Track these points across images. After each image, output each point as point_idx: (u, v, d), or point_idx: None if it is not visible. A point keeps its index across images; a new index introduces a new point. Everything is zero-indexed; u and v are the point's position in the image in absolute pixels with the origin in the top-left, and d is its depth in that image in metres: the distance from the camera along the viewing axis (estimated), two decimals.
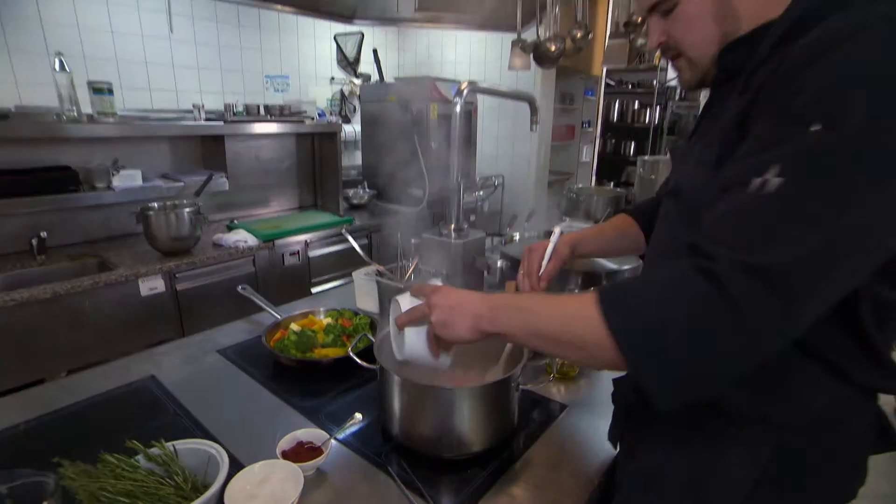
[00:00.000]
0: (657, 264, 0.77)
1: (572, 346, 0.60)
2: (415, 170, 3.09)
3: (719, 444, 0.68)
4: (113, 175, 2.16)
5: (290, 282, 2.54)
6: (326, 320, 1.34)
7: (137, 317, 2.01)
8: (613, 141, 6.24)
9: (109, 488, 0.67)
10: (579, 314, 0.58)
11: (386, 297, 1.44)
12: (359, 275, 1.50)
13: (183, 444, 0.81)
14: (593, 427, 1.00)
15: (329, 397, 1.08)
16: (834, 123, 0.48)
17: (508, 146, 4.23)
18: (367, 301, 1.51)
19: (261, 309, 1.39)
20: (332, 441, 0.89)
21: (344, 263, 2.74)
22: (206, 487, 0.75)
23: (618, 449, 0.89)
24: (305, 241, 2.59)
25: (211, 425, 0.98)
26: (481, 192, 3.04)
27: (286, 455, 0.84)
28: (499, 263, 1.26)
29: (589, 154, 5.57)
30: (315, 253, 2.64)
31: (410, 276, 1.44)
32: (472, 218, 3.32)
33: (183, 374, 1.16)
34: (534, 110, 1.53)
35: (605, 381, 1.17)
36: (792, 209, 0.49)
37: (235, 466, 0.85)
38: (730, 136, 0.60)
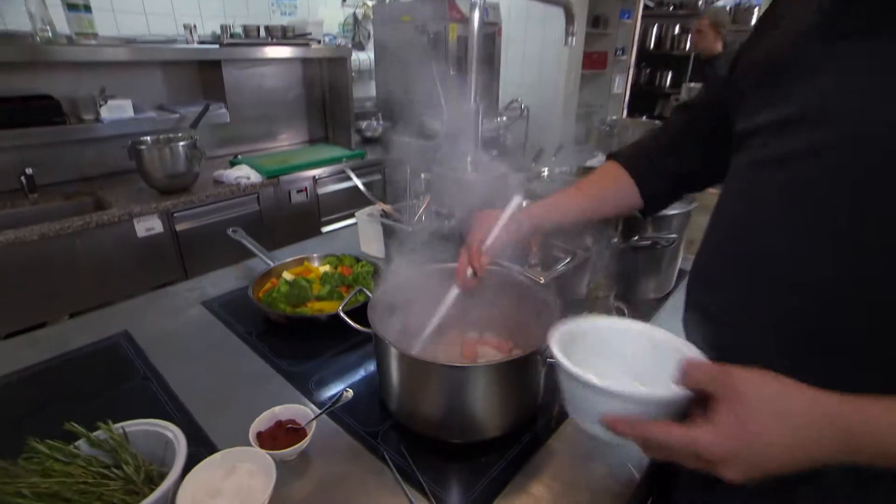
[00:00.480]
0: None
1: None
2: (432, 99, 2.82)
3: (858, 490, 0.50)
4: (100, 105, 1.97)
5: (298, 221, 2.38)
6: (323, 268, 1.18)
7: (136, 259, 1.89)
8: (648, 71, 5.69)
9: (26, 491, 0.54)
10: None
11: (393, 239, 1.26)
12: (362, 215, 1.32)
13: (135, 426, 0.67)
14: None
15: (321, 360, 0.93)
16: None
17: (534, 74, 3.87)
18: (372, 245, 1.34)
19: (256, 254, 1.23)
20: (320, 418, 0.74)
21: (357, 201, 2.51)
22: (164, 478, 0.61)
23: None
24: (314, 178, 2.41)
25: (184, 393, 0.84)
26: (504, 118, 2.76)
27: (262, 438, 0.70)
28: (524, 205, 1.05)
29: (621, 85, 5.09)
30: (324, 190, 2.46)
31: (421, 216, 1.25)
32: (494, 152, 3.06)
33: (160, 330, 1.03)
34: (570, 18, 1.25)
35: None
36: None
37: (205, 447, 0.72)
38: None
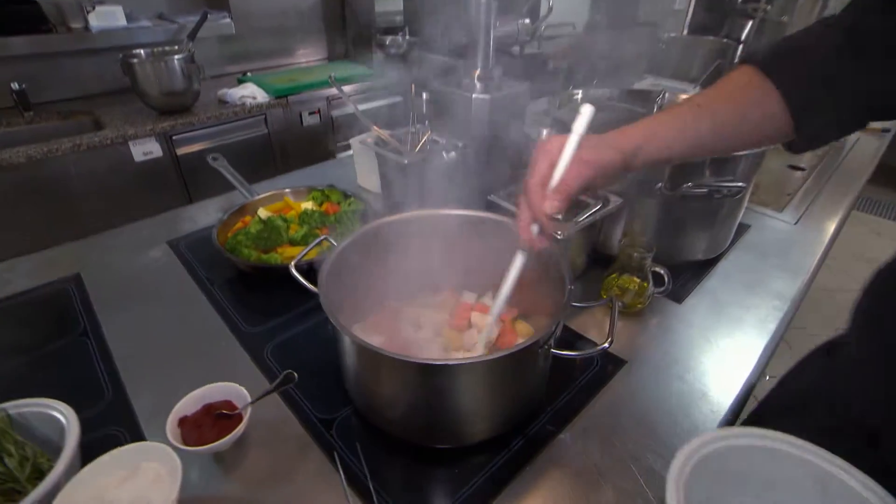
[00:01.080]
0: None
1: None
2: (463, 10, 2.47)
3: None
4: (88, 12, 1.78)
5: (311, 146, 2.19)
6: (306, 205, 1.00)
7: (135, 186, 1.77)
8: None
9: None
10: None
11: (388, 172, 1.07)
12: (356, 142, 1.11)
13: (26, 407, 0.54)
14: (676, 391, 0.65)
15: (285, 319, 0.78)
16: None
17: None
18: (368, 178, 1.15)
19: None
20: (266, 399, 0.59)
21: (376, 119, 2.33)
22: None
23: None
24: (327, 98, 2.18)
25: (122, 355, 0.72)
26: (527, 21, 2.37)
27: (184, 425, 0.56)
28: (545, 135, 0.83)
29: (684, 1, 4.41)
30: (339, 112, 2.24)
31: (425, 145, 1.04)
32: (530, 73, 2.72)
33: (115, 274, 0.90)
34: None
35: (698, 316, 0.79)
36: None
37: (128, 428, 0.59)
38: None
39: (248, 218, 0.97)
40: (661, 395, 0.65)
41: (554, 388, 0.64)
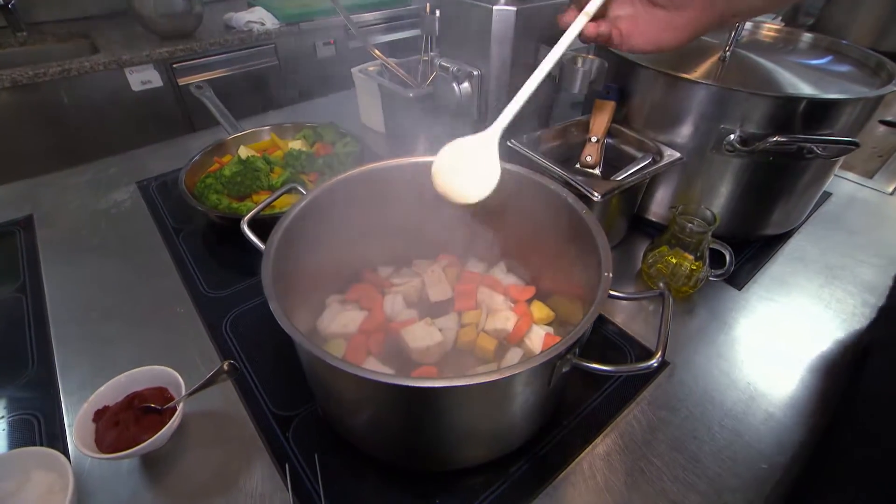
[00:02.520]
0: None
1: None
2: None
3: None
4: None
5: (326, 78, 2.00)
6: (293, 144, 0.85)
7: (132, 119, 1.64)
8: None
9: None
10: None
11: (392, 108, 0.90)
12: (356, 71, 0.94)
13: None
14: (723, 411, 0.50)
15: (252, 283, 0.65)
16: None
17: None
18: (371, 115, 0.99)
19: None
20: (208, 389, 0.47)
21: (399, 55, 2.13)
22: None
23: None
24: (345, 27, 1.97)
25: (57, 317, 0.60)
26: None
27: (101, 418, 0.45)
28: (580, 64, 0.64)
29: None
30: (357, 43, 2.03)
31: (434, 78, 0.87)
32: None
33: (70, 218, 0.78)
34: None
35: (761, 308, 0.62)
36: None
37: (45, 412, 0.49)
38: None
39: (227, 157, 0.83)
40: (710, 411, 0.51)
41: (573, 398, 0.51)
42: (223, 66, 1.76)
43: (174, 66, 1.66)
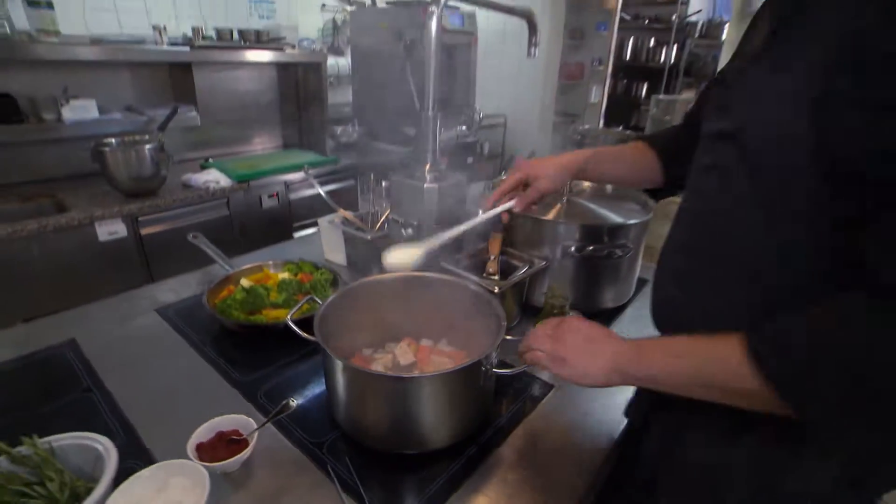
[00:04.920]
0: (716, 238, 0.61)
1: (735, 396, 0.52)
2: (407, 105, 2.82)
3: (792, 441, 0.56)
4: (62, 105, 1.93)
5: (270, 227, 2.35)
6: (282, 275, 1.16)
7: (97, 265, 1.84)
8: (625, 81, 5.78)
9: None
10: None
11: (353, 247, 1.25)
12: (324, 222, 1.30)
13: (63, 440, 0.64)
14: (585, 412, 0.83)
15: (273, 369, 0.91)
16: None
17: (512, 84, 3.89)
18: (334, 253, 1.33)
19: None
20: (267, 427, 0.72)
21: (330, 207, 2.53)
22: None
23: (637, 430, 0.75)
24: (285, 183, 2.38)
25: (127, 405, 0.82)
26: (464, 127, 2.78)
27: (201, 449, 0.68)
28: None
29: (598, 94, 5.17)
30: (297, 195, 2.43)
31: (383, 224, 1.25)
32: (470, 160, 3.07)
33: (109, 339, 1.00)
34: (532, 29, 1.26)
35: None
36: None
37: (145, 461, 0.70)
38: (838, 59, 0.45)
39: (232, 287, 1.11)
40: (578, 412, 0.84)
41: (498, 409, 0.82)
42: (182, 217, 2.05)
43: (139, 218, 1.93)
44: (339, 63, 3.18)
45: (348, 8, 3.20)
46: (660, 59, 5.40)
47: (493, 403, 0.80)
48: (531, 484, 0.70)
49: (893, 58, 0.41)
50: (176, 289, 1.21)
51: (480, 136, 3.24)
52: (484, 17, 3.40)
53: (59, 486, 0.61)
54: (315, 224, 2.48)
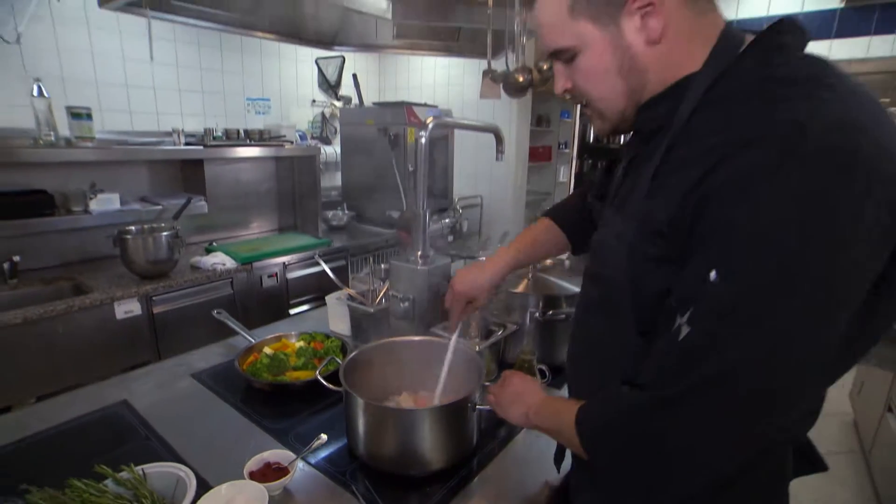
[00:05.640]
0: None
1: (580, 449, 0.66)
2: (393, 192, 3.16)
3: None
4: (90, 199, 2.18)
5: (269, 304, 2.56)
6: (299, 343, 1.38)
7: (113, 341, 2.01)
8: (589, 161, 6.39)
9: None
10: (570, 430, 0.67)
11: (357, 320, 1.49)
12: (331, 298, 1.54)
13: (152, 468, 0.84)
14: (549, 446, 1.05)
15: (299, 419, 1.11)
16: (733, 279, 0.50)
17: (486, 167, 4.33)
18: (339, 324, 1.55)
19: (236, 332, 1.43)
20: (299, 461, 0.92)
21: (322, 285, 2.76)
22: None
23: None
24: (283, 264, 2.62)
25: (181, 449, 1.01)
26: (447, 220, 3.14)
27: (253, 476, 0.88)
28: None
29: (566, 174, 5.72)
30: (293, 275, 2.67)
31: (381, 300, 1.49)
32: (451, 238, 3.38)
33: (156, 399, 1.19)
34: (499, 140, 1.60)
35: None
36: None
37: (204, 488, 0.89)
38: (654, 224, 0.59)
39: (256, 354, 1.32)
40: (543, 446, 1.06)
41: (483, 441, 1.03)
42: (190, 296, 2.26)
43: (153, 297, 2.13)
44: (326, 150, 3.55)
45: (337, 104, 3.64)
46: (619, 140, 6.04)
47: (479, 436, 1.02)
48: (507, 498, 0.91)
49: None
50: (204, 358, 1.41)
51: (459, 217, 3.59)
52: (459, 110, 3.88)
53: (152, 502, 0.80)
54: (310, 301, 2.72)
